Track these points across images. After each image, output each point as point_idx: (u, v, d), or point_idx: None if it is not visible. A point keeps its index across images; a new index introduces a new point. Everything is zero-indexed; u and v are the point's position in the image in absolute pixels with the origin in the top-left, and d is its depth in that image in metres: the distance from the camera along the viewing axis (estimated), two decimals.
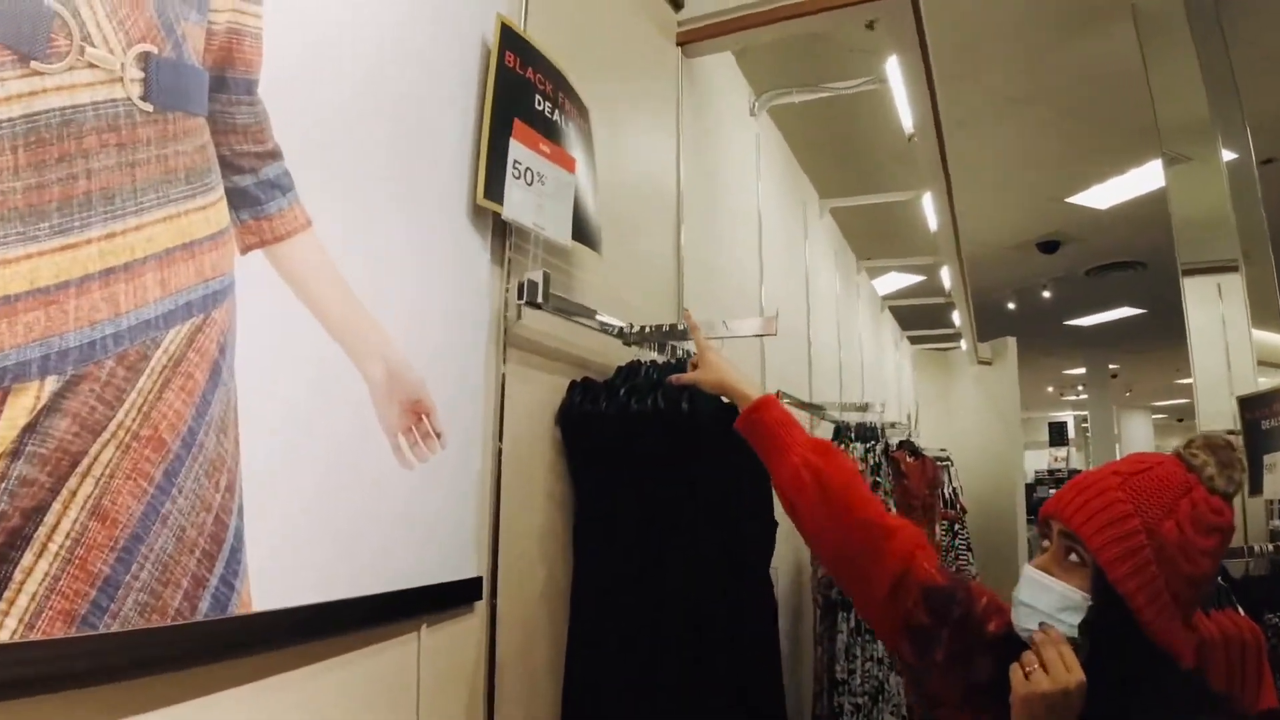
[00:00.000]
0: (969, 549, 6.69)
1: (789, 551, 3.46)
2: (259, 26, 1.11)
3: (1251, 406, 3.20)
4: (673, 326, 1.91)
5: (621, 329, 1.89)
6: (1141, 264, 7.94)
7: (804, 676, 3.54)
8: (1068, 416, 19.95)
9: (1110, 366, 14.40)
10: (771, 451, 1.43)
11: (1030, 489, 8.99)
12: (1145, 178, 5.59)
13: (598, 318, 1.79)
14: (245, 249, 1.07)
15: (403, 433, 1.29)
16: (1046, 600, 1.07)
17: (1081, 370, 14.91)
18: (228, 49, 1.06)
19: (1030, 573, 1.10)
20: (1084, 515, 1.07)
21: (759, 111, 3.35)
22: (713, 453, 1.65)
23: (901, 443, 4.32)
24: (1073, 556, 1.08)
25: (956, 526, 6.64)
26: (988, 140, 5.12)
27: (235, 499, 1.02)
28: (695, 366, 1.61)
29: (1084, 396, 16.47)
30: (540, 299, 1.55)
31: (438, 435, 1.36)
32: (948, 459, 6.76)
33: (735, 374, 1.55)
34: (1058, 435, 18.48)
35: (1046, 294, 9.06)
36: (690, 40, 2.56)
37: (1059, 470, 16.19)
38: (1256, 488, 3.05)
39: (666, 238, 2.42)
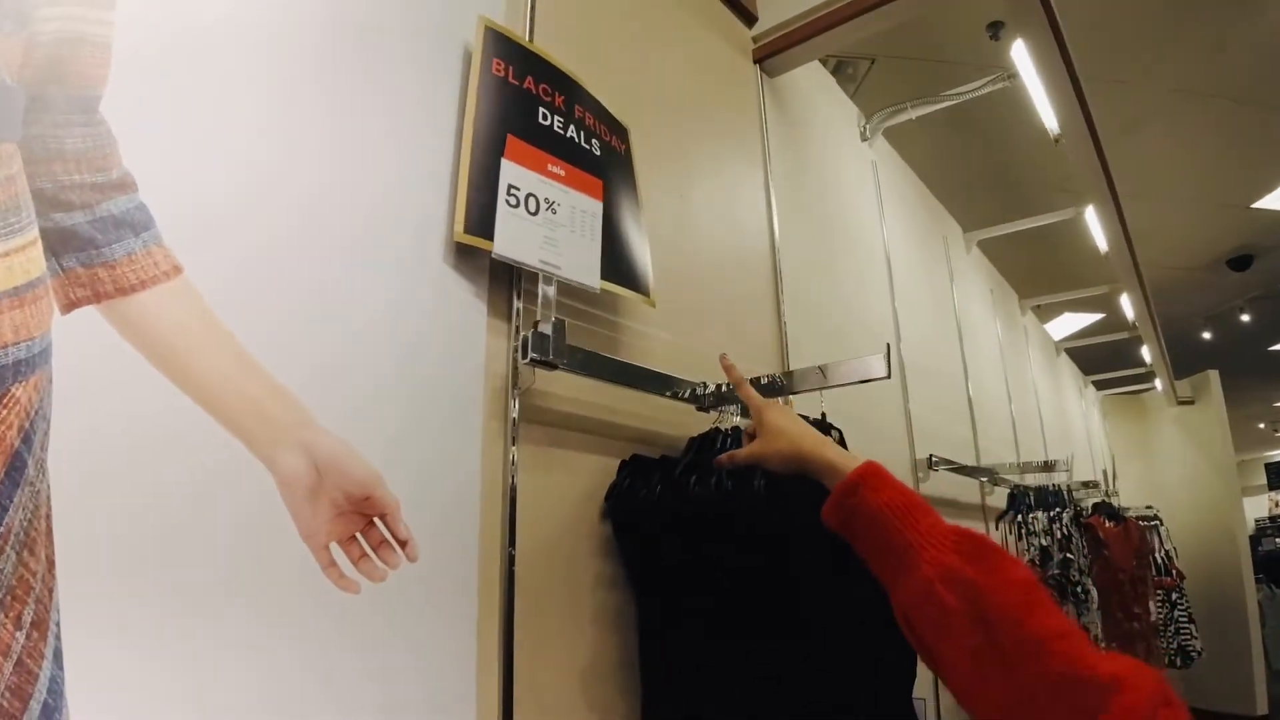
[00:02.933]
0: (1190, 620, 5.74)
1: None
2: (105, 35, 0.85)
3: None
4: (770, 380, 1.48)
5: (694, 389, 1.50)
6: None
7: None
8: None
9: None
10: (886, 556, 0.90)
11: (1254, 541, 7.79)
12: None
13: (651, 374, 1.41)
14: (69, 305, 0.79)
15: (340, 542, 0.94)
16: None
17: None
18: (58, 61, 0.82)
19: None
20: None
21: (872, 135, 2.92)
22: (814, 551, 1.21)
23: (1098, 505, 3.64)
24: None
25: (1174, 596, 5.72)
26: (1159, 145, 4.44)
27: (48, 641, 0.70)
28: (752, 436, 1.13)
29: None
30: (553, 355, 1.19)
31: (402, 544, 1.00)
32: (1155, 518, 5.87)
33: (813, 436, 1.05)
34: (1277, 476, 16.44)
35: (1245, 317, 7.96)
36: (768, 53, 2.20)
37: None
38: None
39: (759, 283, 2.01)
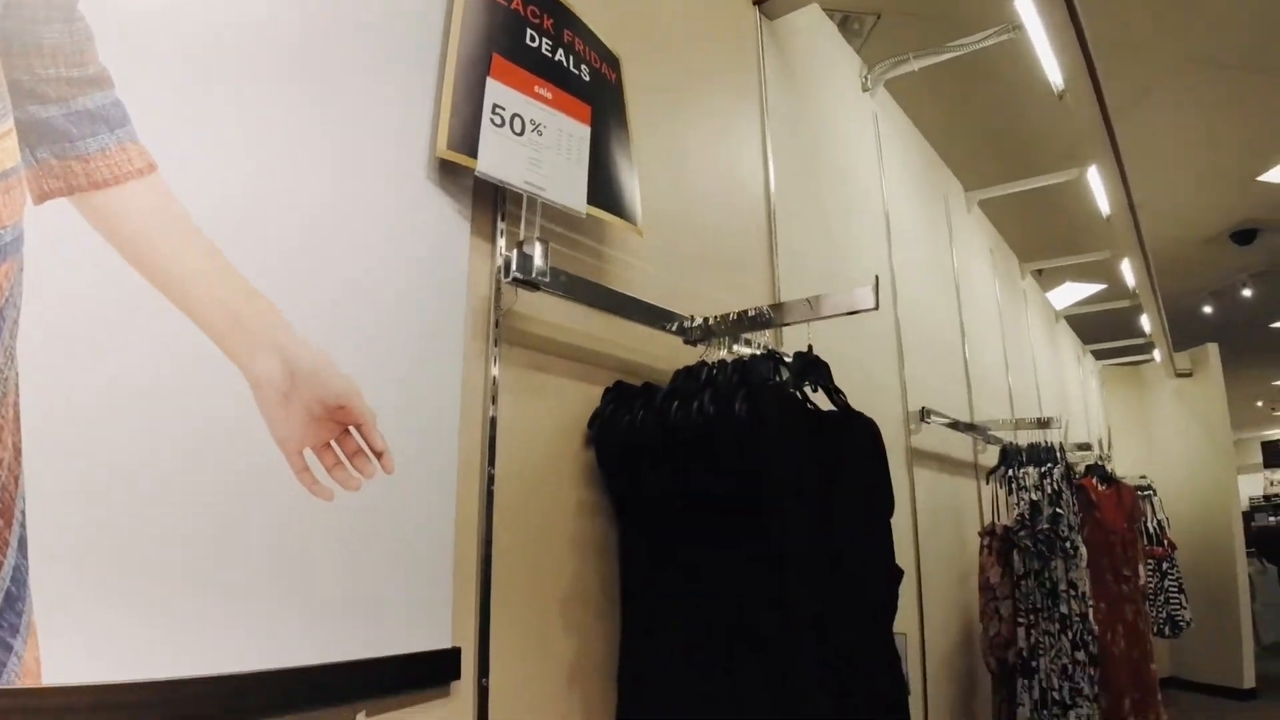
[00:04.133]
0: (1180, 590, 5.78)
1: (954, 608, 2.89)
2: None
3: None
4: (758, 313, 1.46)
5: (681, 322, 1.49)
6: None
7: None
8: None
9: None
10: None
11: (1248, 517, 7.81)
12: None
13: (639, 304, 1.39)
14: (42, 196, 0.79)
15: (315, 449, 0.94)
16: None
17: None
18: None
19: None
20: None
21: (874, 86, 2.88)
22: (791, 476, 1.21)
23: (1090, 467, 3.64)
24: None
25: (1165, 565, 5.76)
26: (1167, 113, 4.37)
27: (13, 529, 0.71)
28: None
29: None
30: (536, 275, 1.17)
31: (377, 455, 1.00)
32: (1149, 488, 5.88)
33: None
34: (1273, 455, 16.43)
35: (1247, 293, 7.89)
36: None
37: (1276, 495, 14.36)
38: None
39: (752, 229, 1.99)
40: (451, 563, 1.08)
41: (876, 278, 1.33)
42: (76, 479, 0.74)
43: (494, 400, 1.17)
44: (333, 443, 0.96)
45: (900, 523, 1.99)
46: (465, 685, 1.09)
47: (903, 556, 2.47)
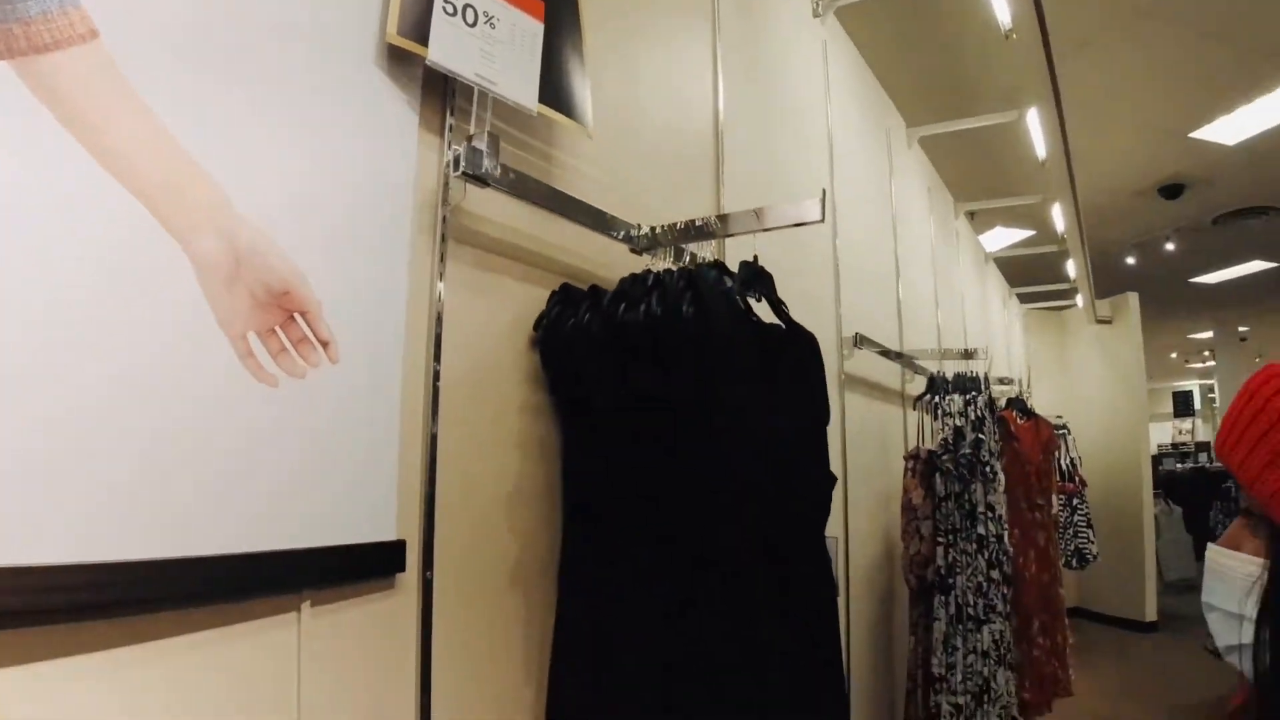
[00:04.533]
0: (1089, 525, 6.08)
1: (877, 529, 2.99)
2: None
3: None
4: (704, 223, 1.47)
5: (628, 230, 1.48)
6: (1276, 209, 7.02)
7: (895, 672, 3.06)
8: (1193, 386, 18.55)
9: (1240, 329, 13.16)
10: None
11: (1156, 461, 8.21)
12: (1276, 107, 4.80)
13: (587, 208, 1.39)
14: None
15: (260, 334, 0.92)
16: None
17: (1208, 334, 13.71)
18: None
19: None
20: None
21: (824, 12, 2.87)
22: (737, 380, 1.23)
23: (1011, 401, 3.77)
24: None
25: (1076, 501, 6.04)
26: (1110, 64, 4.43)
27: None
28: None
29: (1211, 364, 15.19)
30: (485, 170, 1.16)
31: (323, 344, 0.99)
32: (1064, 428, 6.13)
33: None
34: (1183, 406, 17.20)
35: (1170, 246, 8.15)
36: None
37: (1184, 444, 15.08)
38: None
39: (699, 150, 1.98)
40: (396, 456, 1.08)
41: (824, 190, 1.34)
42: (12, 363, 0.71)
43: (440, 297, 1.16)
44: (278, 329, 0.94)
45: (830, 446, 2.05)
46: (410, 579, 1.10)
47: (835, 507, 2.55)
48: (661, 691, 1.19)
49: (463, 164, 1.14)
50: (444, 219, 1.18)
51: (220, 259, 0.89)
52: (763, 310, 1.42)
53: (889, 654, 3.08)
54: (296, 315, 0.96)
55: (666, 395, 1.21)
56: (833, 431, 2.23)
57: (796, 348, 1.41)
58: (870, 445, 2.97)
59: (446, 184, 1.19)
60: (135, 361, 0.80)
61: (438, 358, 1.15)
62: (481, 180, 1.16)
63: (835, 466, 2.54)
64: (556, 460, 1.36)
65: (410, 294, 1.12)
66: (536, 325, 1.34)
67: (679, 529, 1.23)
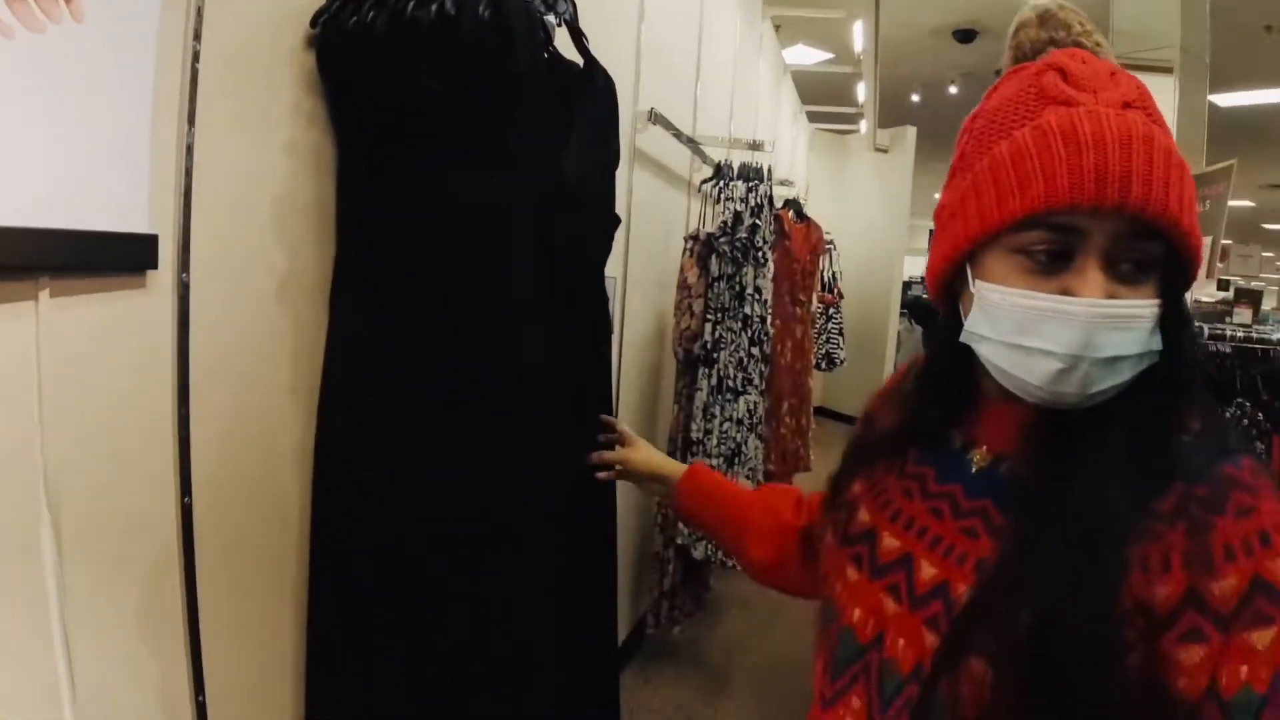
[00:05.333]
0: (840, 334, 6.63)
1: (652, 306, 3.12)
2: None
3: None
4: None
5: None
6: None
7: (659, 437, 3.30)
8: None
9: None
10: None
11: (906, 286, 9.05)
12: None
13: None
14: None
15: None
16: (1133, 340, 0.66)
17: None
18: None
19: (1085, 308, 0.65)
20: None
21: None
22: (532, 100, 1.20)
23: (788, 202, 3.96)
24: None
25: (832, 311, 6.54)
26: None
27: None
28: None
29: None
30: None
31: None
32: (831, 244, 6.54)
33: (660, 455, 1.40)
34: None
35: (953, 89, 8.62)
36: None
37: None
38: None
39: None
40: (148, 138, 0.98)
41: None
42: None
43: None
44: None
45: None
46: (164, 278, 1.03)
47: (615, 252, 2.60)
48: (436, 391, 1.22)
49: None
50: None
51: None
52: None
53: (654, 423, 3.31)
54: None
55: (458, 100, 1.16)
56: (618, 210, 2.27)
57: (594, 84, 1.39)
58: (654, 228, 3.05)
59: None
60: None
61: (198, 36, 1.04)
62: None
63: (618, 246, 2.61)
64: (329, 174, 1.29)
65: None
66: (314, 21, 1.23)
67: (461, 244, 1.22)
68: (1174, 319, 0.67)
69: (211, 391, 1.11)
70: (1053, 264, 0.66)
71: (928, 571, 0.74)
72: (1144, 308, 0.65)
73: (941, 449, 0.81)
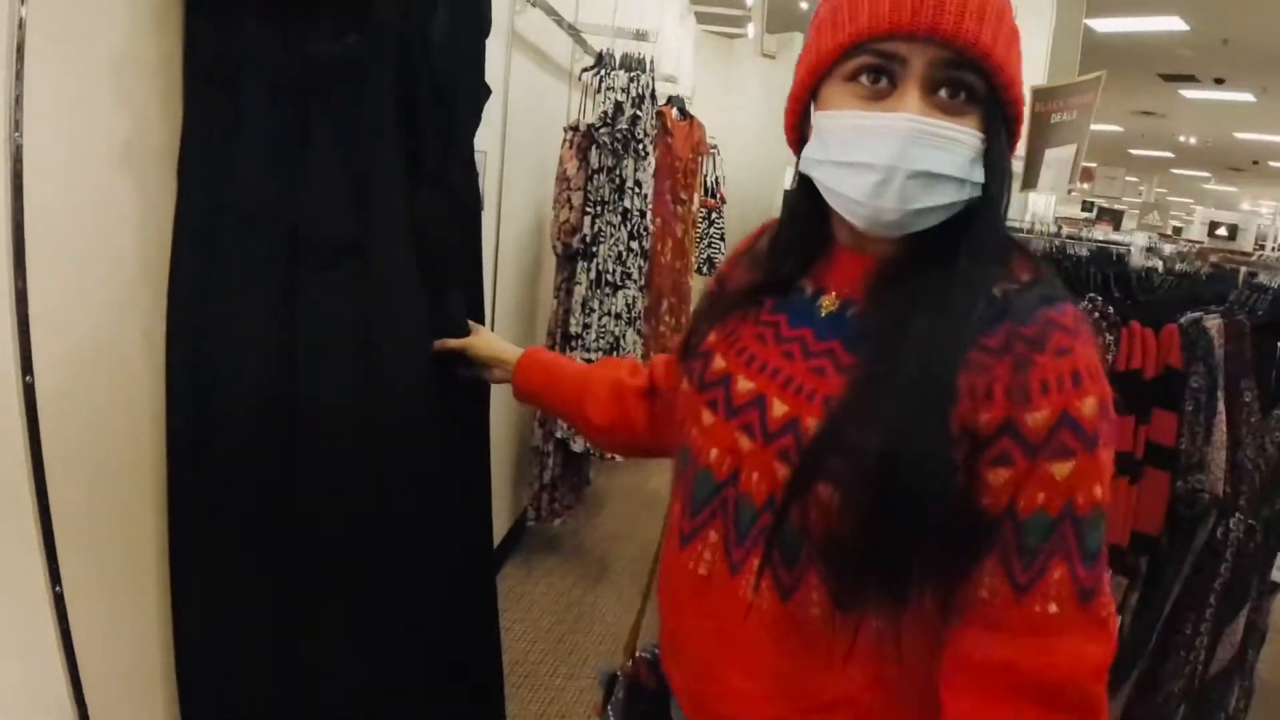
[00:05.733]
0: (722, 239, 6.68)
1: (530, 198, 3.06)
2: None
3: (1043, 98, 3.02)
4: None
5: None
6: None
7: (538, 332, 3.28)
8: None
9: None
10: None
11: (787, 195, 9.13)
12: None
13: None
14: None
15: None
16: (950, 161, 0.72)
17: None
18: None
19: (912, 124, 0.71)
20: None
21: None
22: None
23: (672, 99, 3.92)
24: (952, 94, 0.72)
25: (714, 215, 6.57)
26: None
27: None
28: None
29: None
30: None
31: None
32: (715, 148, 6.52)
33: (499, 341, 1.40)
34: None
35: None
36: None
37: None
38: (1031, 184, 2.95)
39: None
40: None
41: None
42: None
43: None
44: None
45: (492, 112, 2.02)
46: None
47: (491, 139, 2.53)
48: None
49: None
50: None
51: None
52: None
53: (533, 318, 3.28)
54: None
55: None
56: (495, 101, 2.19)
57: None
58: (533, 118, 2.97)
59: None
60: None
61: None
62: None
63: (495, 136, 2.54)
64: (179, 32, 1.19)
65: None
66: None
67: (321, 106, 1.16)
68: (995, 160, 0.73)
69: (52, 265, 1.03)
70: (878, 89, 0.72)
71: (779, 409, 0.78)
72: (960, 132, 0.71)
73: (793, 297, 0.86)
